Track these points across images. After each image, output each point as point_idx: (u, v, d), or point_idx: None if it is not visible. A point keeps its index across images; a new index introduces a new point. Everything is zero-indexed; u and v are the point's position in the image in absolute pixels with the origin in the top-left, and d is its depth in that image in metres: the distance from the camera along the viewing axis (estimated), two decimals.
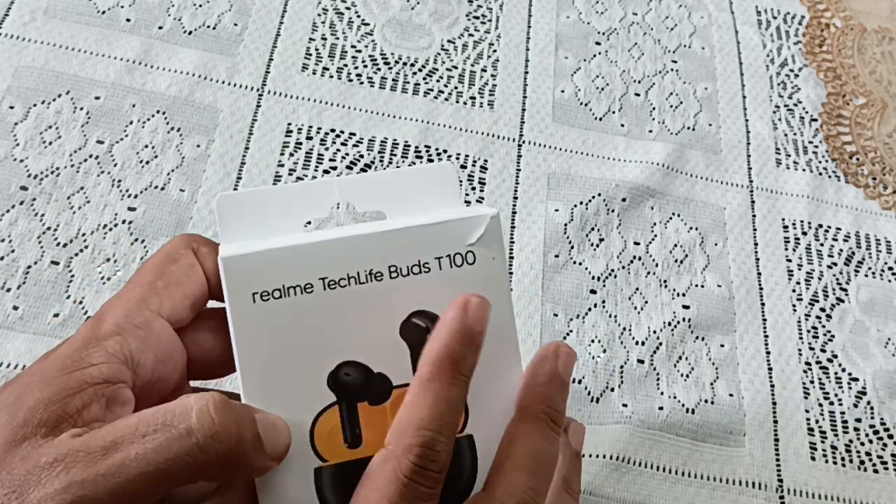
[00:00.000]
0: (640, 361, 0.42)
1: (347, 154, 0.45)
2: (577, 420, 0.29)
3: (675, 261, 0.45)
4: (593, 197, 0.46)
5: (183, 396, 0.22)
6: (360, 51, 0.49)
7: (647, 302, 0.43)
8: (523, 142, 0.47)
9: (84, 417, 0.22)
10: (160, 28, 0.47)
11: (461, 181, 0.44)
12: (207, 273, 0.27)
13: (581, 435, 0.29)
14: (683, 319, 0.43)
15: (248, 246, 0.25)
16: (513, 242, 0.44)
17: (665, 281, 0.44)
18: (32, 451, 0.21)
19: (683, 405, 0.41)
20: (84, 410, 0.22)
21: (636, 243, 0.45)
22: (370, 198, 0.27)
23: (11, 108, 0.43)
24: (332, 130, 0.45)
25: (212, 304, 0.27)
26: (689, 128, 0.50)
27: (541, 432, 0.26)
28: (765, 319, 0.44)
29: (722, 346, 0.43)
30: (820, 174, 0.50)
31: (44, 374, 0.23)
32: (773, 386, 0.42)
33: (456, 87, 0.48)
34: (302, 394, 0.25)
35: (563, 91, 0.50)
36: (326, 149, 0.45)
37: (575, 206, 0.45)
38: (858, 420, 0.42)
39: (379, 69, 0.48)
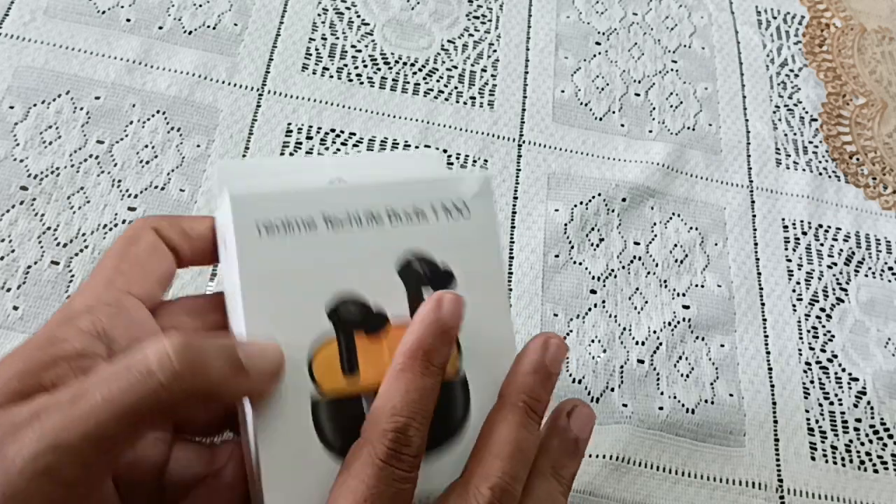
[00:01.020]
0: (640, 361, 0.42)
1: (347, 154, 0.45)
2: (587, 405, 0.29)
3: (675, 261, 0.45)
4: (593, 197, 0.46)
5: (142, 344, 0.23)
6: (360, 51, 0.49)
7: (647, 302, 0.43)
8: (523, 142, 0.47)
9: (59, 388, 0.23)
10: (160, 28, 0.47)
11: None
12: (173, 244, 0.28)
13: (585, 421, 0.29)
14: (683, 319, 0.43)
15: (255, 187, 0.26)
16: (513, 242, 0.44)
17: (665, 281, 0.44)
18: (7, 415, 0.21)
19: (683, 405, 0.41)
20: (59, 382, 0.23)
21: (636, 243, 0.45)
22: (361, 176, 0.29)
23: (11, 108, 0.43)
24: (332, 130, 0.45)
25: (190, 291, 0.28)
26: (689, 128, 0.50)
27: (519, 420, 0.27)
28: (765, 319, 0.44)
29: (722, 346, 0.43)
30: (820, 174, 0.50)
31: (19, 353, 0.24)
32: (773, 386, 0.42)
33: (456, 87, 0.48)
34: (302, 326, 0.26)
35: (563, 91, 0.50)
36: (326, 148, 0.45)
37: (575, 206, 0.45)
38: (858, 420, 0.42)
39: (379, 69, 0.48)
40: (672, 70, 0.52)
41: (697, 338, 0.43)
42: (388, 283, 0.27)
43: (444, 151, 0.46)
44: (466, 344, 0.27)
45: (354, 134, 0.45)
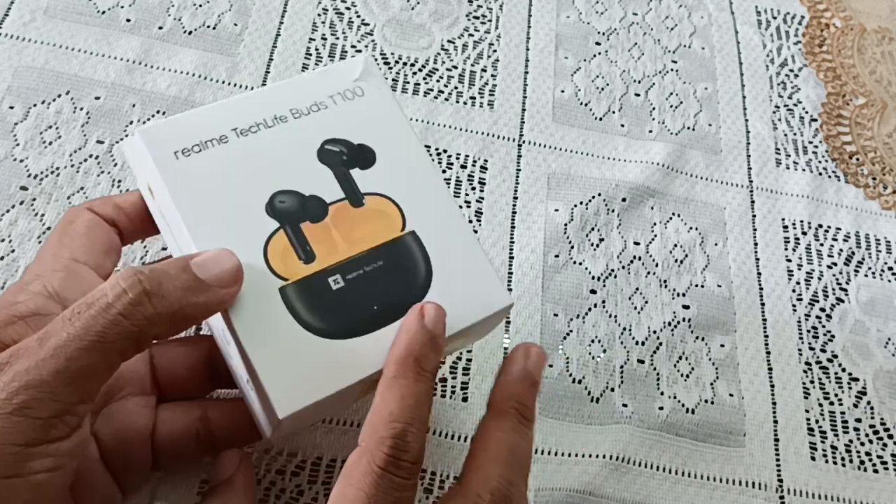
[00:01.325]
0: (640, 361, 0.42)
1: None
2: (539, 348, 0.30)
3: (675, 261, 0.45)
4: (593, 197, 0.46)
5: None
6: (360, 51, 0.49)
7: (647, 302, 0.43)
8: (523, 142, 0.47)
9: None
10: (160, 28, 0.47)
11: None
12: (110, 219, 0.29)
13: (538, 360, 0.30)
14: (683, 319, 0.43)
15: (160, 119, 0.28)
16: (513, 242, 0.44)
17: (665, 281, 0.44)
18: None
19: (683, 405, 0.41)
20: (18, 339, 0.24)
21: (636, 243, 0.45)
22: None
23: (11, 108, 0.43)
24: None
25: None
26: (689, 128, 0.50)
27: (512, 426, 0.27)
28: (765, 319, 0.44)
29: (722, 346, 0.43)
30: (820, 174, 0.50)
31: None
32: (773, 386, 0.42)
33: (456, 87, 0.48)
34: (246, 228, 0.27)
35: (563, 91, 0.50)
36: None
37: (575, 206, 0.45)
38: (858, 420, 0.42)
39: (379, 69, 0.48)
40: (672, 70, 0.52)
41: (697, 338, 0.43)
42: (314, 171, 0.29)
43: (444, 151, 0.46)
44: (405, 204, 0.29)
45: None
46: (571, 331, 0.42)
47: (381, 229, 0.29)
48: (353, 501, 0.23)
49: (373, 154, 0.29)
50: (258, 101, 0.29)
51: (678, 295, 0.44)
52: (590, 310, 0.43)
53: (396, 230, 0.29)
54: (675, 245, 0.46)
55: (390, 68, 0.48)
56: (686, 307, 0.44)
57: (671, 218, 0.46)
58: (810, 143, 0.51)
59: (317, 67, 0.47)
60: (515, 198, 0.45)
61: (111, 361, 0.23)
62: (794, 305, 0.45)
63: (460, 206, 0.44)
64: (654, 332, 0.42)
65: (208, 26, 0.47)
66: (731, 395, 0.41)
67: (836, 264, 0.47)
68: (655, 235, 0.46)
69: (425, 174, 0.30)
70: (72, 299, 0.26)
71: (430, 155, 0.45)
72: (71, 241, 0.28)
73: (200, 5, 0.48)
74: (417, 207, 0.29)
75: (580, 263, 0.44)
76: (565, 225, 0.45)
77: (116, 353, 0.22)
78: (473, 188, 0.45)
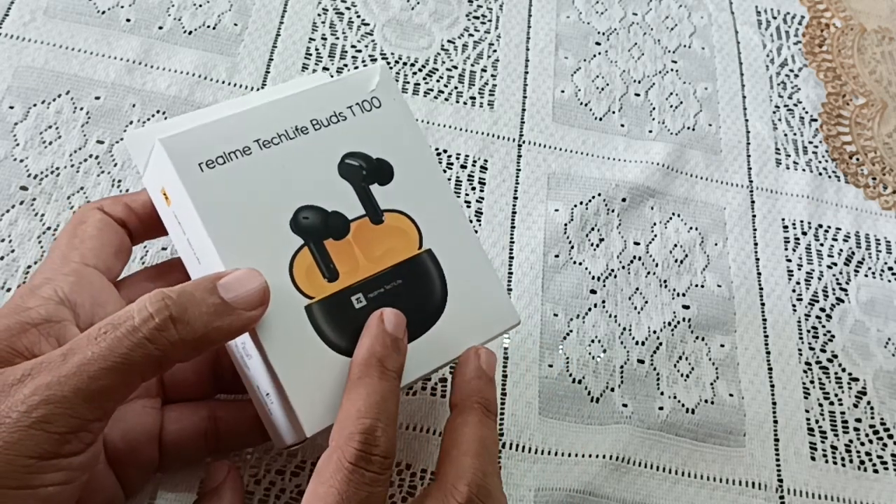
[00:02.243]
0: (640, 361, 0.42)
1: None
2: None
3: (675, 261, 0.45)
4: (593, 197, 0.46)
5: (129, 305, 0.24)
6: (360, 51, 0.49)
7: (647, 302, 0.43)
8: (523, 142, 0.47)
9: (37, 354, 0.23)
10: (160, 28, 0.47)
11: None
12: (120, 220, 0.29)
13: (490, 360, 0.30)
14: (683, 319, 0.43)
15: (181, 127, 0.27)
16: (513, 242, 0.44)
17: (665, 281, 0.44)
18: None
19: (683, 405, 0.41)
20: (34, 348, 0.24)
21: (636, 243, 0.45)
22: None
23: (11, 108, 0.43)
24: None
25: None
26: (689, 128, 0.50)
27: (479, 419, 0.28)
28: (765, 319, 0.44)
29: (722, 346, 0.43)
30: (820, 174, 0.50)
31: None
32: (773, 386, 0.42)
33: (456, 87, 0.48)
34: (272, 244, 0.27)
35: (563, 91, 0.50)
36: None
37: (575, 206, 0.45)
38: (858, 420, 0.42)
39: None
40: (672, 70, 0.52)
41: (697, 338, 0.43)
42: (335, 185, 0.29)
43: (444, 151, 0.46)
44: (422, 221, 0.29)
45: None
46: (571, 331, 0.42)
47: (399, 247, 0.29)
48: (324, 498, 0.23)
49: (391, 169, 0.30)
50: (279, 110, 0.29)
51: (678, 295, 0.44)
52: (590, 310, 0.42)
53: (414, 248, 0.29)
54: (675, 245, 0.46)
55: (390, 68, 0.48)
56: (686, 307, 0.44)
57: (671, 218, 0.46)
58: (810, 143, 0.51)
59: (317, 68, 0.47)
60: (515, 198, 0.45)
61: (132, 382, 0.23)
62: (794, 305, 0.45)
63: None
64: (654, 332, 0.42)
65: (208, 26, 0.47)
66: (731, 395, 0.41)
67: (836, 264, 0.47)
68: (655, 235, 0.46)
69: (439, 190, 0.30)
70: (81, 304, 0.26)
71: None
72: (81, 242, 0.28)
73: (200, 5, 0.48)
74: (433, 224, 0.30)
75: (580, 263, 0.44)
76: (565, 225, 0.45)
77: (138, 375, 0.23)
78: (473, 188, 0.45)
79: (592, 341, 0.42)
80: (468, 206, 0.44)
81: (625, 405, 0.40)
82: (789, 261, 0.46)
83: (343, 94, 0.30)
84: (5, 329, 0.24)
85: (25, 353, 0.23)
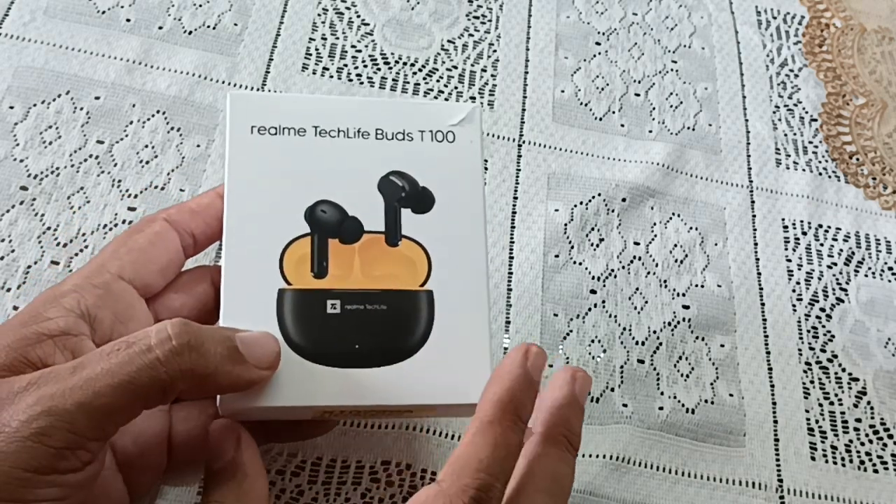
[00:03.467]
0: (640, 361, 0.42)
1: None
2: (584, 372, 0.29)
3: (675, 261, 0.45)
4: (593, 197, 0.46)
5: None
6: (360, 51, 0.49)
7: (647, 302, 0.43)
8: (523, 142, 0.47)
9: (49, 366, 0.23)
10: (160, 28, 0.47)
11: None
12: (185, 227, 0.28)
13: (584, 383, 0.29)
14: (683, 319, 0.43)
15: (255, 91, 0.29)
16: (513, 242, 0.44)
17: (665, 281, 0.44)
18: (6, 383, 0.22)
19: (683, 405, 0.41)
20: (48, 359, 0.23)
21: (636, 243, 0.45)
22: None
23: (11, 108, 0.43)
24: None
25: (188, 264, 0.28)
26: (689, 128, 0.50)
27: (560, 455, 0.26)
28: (765, 319, 0.44)
29: (722, 346, 0.43)
30: (820, 174, 0.50)
31: (4, 327, 0.24)
32: (773, 386, 0.42)
33: (456, 87, 0.48)
34: (278, 220, 0.27)
35: (563, 91, 0.50)
36: None
37: (575, 206, 0.45)
38: (858, 420, 0.42)
39: (379, 69, 0.48)
40: (672, 70, 0.52)
41: (697, 338, 0.43)
42: (368, 195, 0.28)
43: None
44: (437, 261, 0.28)
45: None
46: (571, 331, 0.42)
47: (402, 276, 0.28)
48: None
49: (432, 201, 0.29)
50: (352, 108, 0.29)
51: (678, 295, 0.44)
52: (590, 310, 0.42)
53: (416, 283, 0.28)
54: (675, 245, 0.46)
55: (390, 68, 0.48)
56: (686, 307, 0.44)
57: (671, 218, 0.46)
58: (810, 143, 0.51)
59: (317, 68, 0.47)
60: (515, 198, 0.45)
61: (135, 406, 0.22)
62: (794, 305, 0.45)
63: None
64: (654, 332, 0.42)
65: (208, 26, 0.47)
66: (731, 395, 0.41)
67: (836, 264, 0.47)
68: (655, 235, 0.46)
69: (473, 241, 0.29)
70: (102, 319, 0.25)
71: None
72: (127, 253, 0.27)
73: (200, 5, 0.48)
74: (448, 271, 0.28)
75: (580, 263, 0.44)
76: (565, 225, 0.45)
77: (142, 399, 0.22)
78: None
79: (592, 341, 0.42)
80: None
81: (625, 405, 0.40)
82: (789, 261, 0.46)
83: (421, 116, 0.29)
84: (21, 338, 0.23)
85: (38, 363, 0.23)
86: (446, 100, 0.48)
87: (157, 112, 0.44)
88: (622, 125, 0.49)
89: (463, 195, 0.29)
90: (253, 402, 0.26)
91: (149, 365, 0.22)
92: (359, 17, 0.50)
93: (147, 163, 0.43)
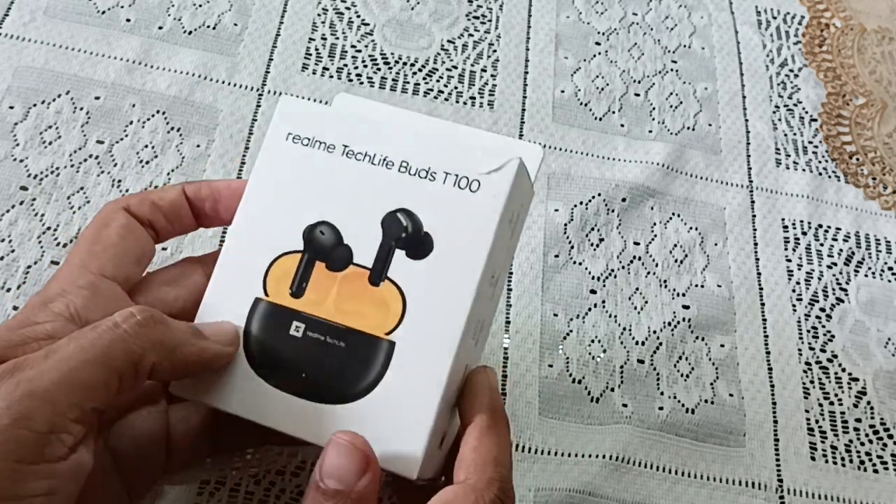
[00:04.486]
0: (640, 361, 0.42)
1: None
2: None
3: (675, 261, 0.45)
4: (593, 197, 0.46)
5: None
6: (360, 51, 0.49)
7: (647, 302, 0.43)
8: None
9: None
10: (160, 28, 0.47)
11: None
12: (146, 219, 0.29)
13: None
14: (683, 319, 0.43)
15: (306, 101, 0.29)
16: None
17: (665, 281, 0.44)
18: None
19: (683, 405, 0.41)
20: None
21: (636, 243, 0.45)
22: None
23: (11, 108, 0.43)
24: None
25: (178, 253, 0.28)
26: (689, 128, 0.50)
27: (507, 429, 0.28)
28: (765, 319, 0.44)
29: (722, 346, 0.43)
30: (820, 174, 0.50)
31: None
32: (773, 386, 0.42)
33: (456, 87, 0.48)
34: (279, 230, 0.27)
35: (563, 91, 0.50)
36: None
37: (575, 206, 0.45)
38: (858, 420, 0.42)
39: (379, 69, 0.48)
40: (672, 70, 0.52)
41: (697, 338, 0.43)
42: (370, 227, 0.27)
43: None
44: (412, 314, 0.26)
45: None
46: (571, 331, 0.42)
47: (371, 318, 0.26)
48: None
49: (429, 249, 0.27)
50: (389, 134, 0.27)
51: (678, 295, 0.44)
52: (590, 310, 0.42)
53: (382, 330, 0.26)
54: (675, 245, 0.46)
55: (390, 68, 0.48)
56: (686, 307, 0.44)
57: (671, 218, 0.46)
58: (810, 143, 0.51)
59: (317, 68, 0.47)
60: None
61: (110, 380, 0.22)
62: (794, 305, 0.45)
63: None
64: (654, 332, 0.42)
65: (208, 26, 0.47)
66: (731, 395, 0.41)
67: (836, 264, 0.47)
68: (655, 235, 0.46)
69: (456, 302, 0.26)
70: (93, 320, 0.25)
71: None
72: (103, 250, 0.27)
73: (200, 5, 0.48)
74: (420, 328, 0.26)
75: (580, 263, 0.44)
76: (565, 225, 0.45)
77: (116, 373, 0.22)
78: None
79: (592, 341, 0.42)
80: None
81: (625, 405, 0.40)
82: (789, 261, 0.46)
83: (454, 156, 0.27)
84: (6, 342, 0.24)
85: None
86: (446, 100, 0.48)
87: (157, 112, 0.44)
88: (622, 125, 0.49)
89: (463, 252, 0.26)
90: (200, 396, 0.27)
91: (118, 338, 0.23)
92: (359, 17, 0.50)
93: (147, 163, 0.43)
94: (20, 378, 0.21)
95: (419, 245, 0.27)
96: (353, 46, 0.49)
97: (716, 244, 0.46)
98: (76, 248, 0.28)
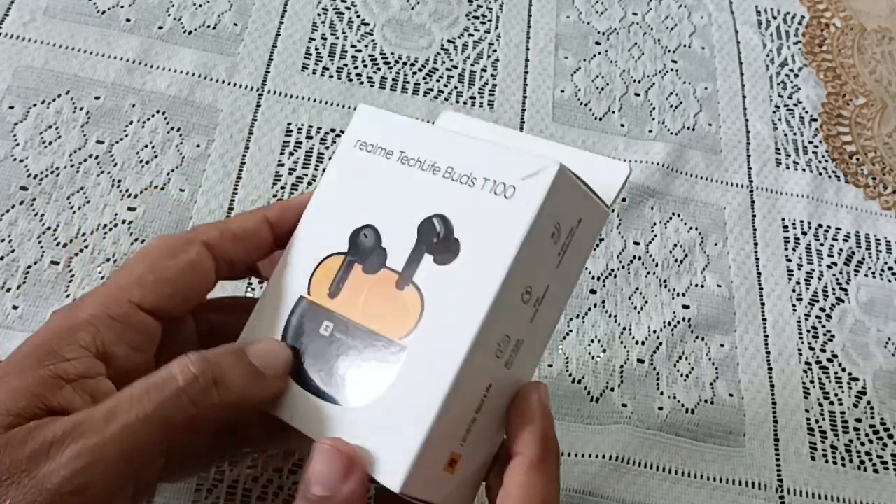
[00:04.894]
0: (640, 361, 0.42)
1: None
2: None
3: (675, 261, 0.45)
4: None
5: (164, 366, 0.23)
6: (360, 51, 0.49)
7: (647, 302, 0.43)
8: None
9: (70, 412, 0.23)
10: (160, 28, 0.47)
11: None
12: (227, 256, 0.28)
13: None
14: (683, 319, 0.43)
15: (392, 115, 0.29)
16: None
17: (665, 281, 0.44)
18: (39, 432, 0.21)
19: (683, 405, 0.41)
20: (68, 406, 0.23)
21: (636, 243, 0.45)
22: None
23: (11, 108, 0.43)
24: (332, 130, 0.45)
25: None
26: (689, 128, 0.50)
27: (558, 472, 0.26)
28: (765, 319, 0.44)
29: (722, 346, 0.43)
30: (820, 174, 0.50)
31: (19, 364, 0.23)
32: (773, 386, 0.42)
33: (456, 87, 0.48)
34: (331, 233, 0.28)
35: (563, 91, 0.50)
36: (327, 148, 0.45)
37: None
38: (858, 420, 0.42)
39: (379, 69, 0.48)
40: (672, 70, 0.52)
41: (697, 338, 0.43)
42: (407, 231, 0.27)
43: None
44: (428, 318, 0.25)
45: None
46: (571, 331, 0.42)
47: (391, 321, 0.26)
48: None
49: (455, 256, 0.25)
50: (444, 141, 0.27)
51: (678, 295, 0.44)
52: (590, 310, 0.42)
53: (399, 334, 0.25)
54: (675, 245, 0.46)
55: (390, 68, 0.48)
56: (686, 307, 0.44)
57: (671, 218, 0.46)
58: (810, 143, 0.51)
59: (317, 68, 0.47)
60: None
61: (172, 445, 0.22)
62: (794, 305, 0.45)
63: None
64: (654, 332, 0.42)
65: (208, 26, 0.47)
66: (730, 395, 0.41)
67: (836, 264, 0.47)
68: (655, 235, 0.46)
69: (472, 312, 0.24)
70: (118, 354, 0.25)
71: None
72: (153, 283, 0.26)
73: (200, 5, 0.48)
74: (432, 335, 0.25)
75: None
76: None
77: (177, 436, 0.22)
78: None
79: (592, 341, 0.42)
80: None
81: (624, 405, 0.40)
82: (789, 261, 0.46)
83: (492, 163, 0.26)
84: (40, 381, 0.23)
85: (59, 411, 0.23)
86: (446, 100, 0.48)
87: (157, 112, 0.44)
88: (622, 125, 0.49)
89: (487, 259, 0.25)
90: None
91: (183, 408, 0.22)
92: (359, 16, 0.50)
93: (147, 163, 0.43)
94: (81, 448, 0.21)
95: (447, 250, 0.26)
96: (353, 46, 0.49)
97: (716, 244, 0.46)
98: (128, 269, 0.26)
